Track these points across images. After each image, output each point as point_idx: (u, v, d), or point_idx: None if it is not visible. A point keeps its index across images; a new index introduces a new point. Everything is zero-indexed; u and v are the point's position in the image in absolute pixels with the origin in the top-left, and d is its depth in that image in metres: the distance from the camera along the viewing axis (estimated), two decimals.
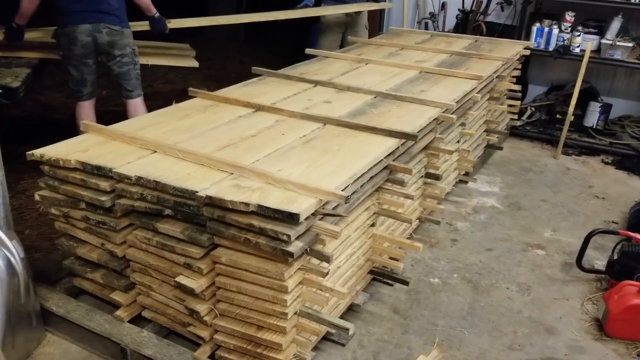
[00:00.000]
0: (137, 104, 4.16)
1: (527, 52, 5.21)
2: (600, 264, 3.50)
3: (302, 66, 4.26)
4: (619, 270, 3.18)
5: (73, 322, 2.64)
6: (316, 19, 5.83)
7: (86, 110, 4.06)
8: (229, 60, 8.28)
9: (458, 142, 4.09)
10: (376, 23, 6.61)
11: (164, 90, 6.68)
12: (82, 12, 3.78)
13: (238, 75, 6.83)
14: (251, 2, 10.10)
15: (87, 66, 3.94)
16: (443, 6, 6.48)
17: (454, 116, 3.38)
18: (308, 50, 4.78)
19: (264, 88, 3.64)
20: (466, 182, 4.55)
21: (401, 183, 2.86)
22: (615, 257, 3.26)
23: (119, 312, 2.65)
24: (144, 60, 4.84)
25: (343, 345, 2.74)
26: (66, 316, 2.65)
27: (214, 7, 9.71)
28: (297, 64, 4.33)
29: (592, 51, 5.26)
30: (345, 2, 5.68)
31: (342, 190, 2.33)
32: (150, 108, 3.26)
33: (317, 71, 4.06)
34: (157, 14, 4.15)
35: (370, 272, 3.10)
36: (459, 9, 6.29)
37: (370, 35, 5.83)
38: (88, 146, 2.61)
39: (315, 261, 2.31)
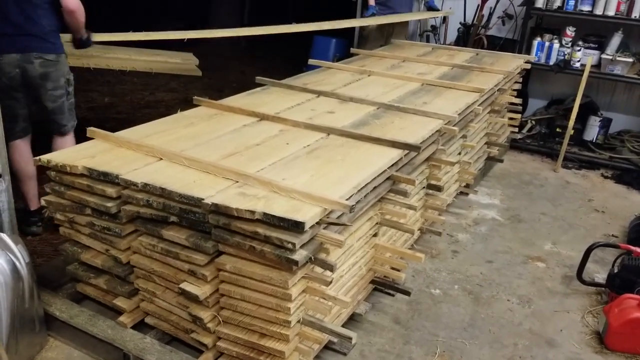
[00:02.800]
0: (67, 140, 3.50)
1: (528, 66, 5.25)
2: (601, 277, 3.52)
3: (305, 76, 4.29)
4: (620, 283, 3.19)
5: (76, 327, 2.64)
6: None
7: (20, 150, 3.40)
8: (230, 69, 8.33)
9: (459, 154, 4.11)
10: None
11: (166, 99, 6.72)
12: (8, 37, 3.18)
13: (239, 84, 6.88)
14: (254, 9, 10.18)
15: (17, 100, 3.32)
16: (444, 19, 6.53)
17: (456, 128, 3.40)
18: (311, 61, 4.83)
19: (268, 98, 3.66)
20: (467, 194, 4.57)
21: (404, 194, 2.88)
22: (616, 270, 3.28)
23: (122, 318, 2.66)
24: (147, 69, 4.88)
25: (344, 354, 2.75)
26: (69, 321, 2.66)
27: (215, 15, 9.76)
28: (300, 74, 4.37)
29: (592, 66, 5.30)
30: (390, 8, 5.75)
31: (346, 199, 2.35)
32: (152, 116, 3.27)
33: (320, 82, 4.09)
34: (86, 34, 3.52)
35: (372, 282, 3.11)
36: (460, 23, 6.34)
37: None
38: (95, 153, 2.63)
39: (318, 270, 2.32)
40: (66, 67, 3.44)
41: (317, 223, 2.19)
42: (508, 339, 2.98)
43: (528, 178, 5.15)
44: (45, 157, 2.56)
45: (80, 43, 3.54)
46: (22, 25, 3.20)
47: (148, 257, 2.51)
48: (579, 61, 5.50)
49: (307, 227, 2.10)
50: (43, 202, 2.66)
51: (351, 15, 7.04)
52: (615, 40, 5.41)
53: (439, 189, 3.56)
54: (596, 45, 5.56)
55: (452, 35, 6.51)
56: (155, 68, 4.94)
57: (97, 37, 3.66)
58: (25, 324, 2.49)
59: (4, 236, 2.44)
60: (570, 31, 5.59)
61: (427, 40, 6.62)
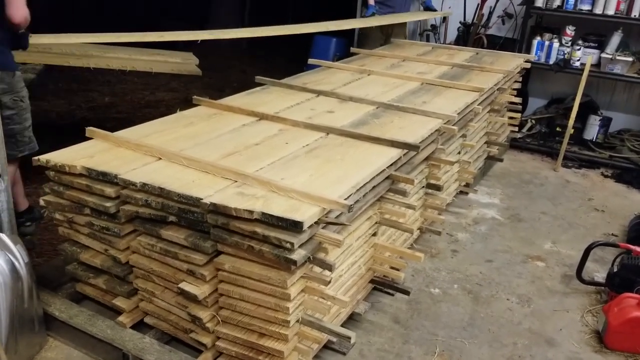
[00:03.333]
0: None
1: (528, 65, 5.25)
2: (600, 276, 3.52)
3: (305, 76, 4.29)
4: (619, 282, 3.19)
5: (75, 327, 2.64)
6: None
7: None
8: (231, 69, 8.33)
9: (459, 153, 4.11)
10: None
11: (166, 98, 6.72)
12: None
13: (239, 84, 6.87)
14: (254, 8, 10.18)
15: None
16: (444, 19, 6.53)
17: (455, 127, 3.40)
18: (311, 61, 4.83)
19: (267, 97, 3.66)
20: (467, 193, 4.57)
21: (403, 193, 2.88)
22: (615, 269, 3.27)
23: (121, 318, 2.66)
24: (147, 68, 4.88)
25: (344, 354, 2.75)
26: (68, 321, 2.66)
27: (215, 14, 9.75)
28: (300, 73, 4.36)
29: (592, 65, 5.30)
30: (390, 7, 5.73)
31: (345, 199, 2.35)
32: (152, 116, 3.26)
33: (320, 81, 4.09)
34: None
35: (371, 281, 3.11)
36: (460, 22, 6.34)
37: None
38: (94, 152, 2.63)
39: (317, 269, 2.32)
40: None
41: (315, 222, 2.19)
42: (507, 338, 2.98)
43: (528, 177, 5.14)
44: (43, 157, 2.56)
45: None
46: None
47: (147, 257, 2.51)
48: (578, 60, 5.49)
49: (305, 226, 2.10)
50: (42, 202, 2.66)
51: (351, 14, 7.04)
52: (615, 39, 5.41)
53: (438, 188, 3.56)
54: (596, 45, 5.56)
55: (452, 34, 6.51)
56: (156, 68, 4.94)
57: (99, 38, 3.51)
58: (24, 324, 2.49)
59: (3, 236, 2.44)
60: (570, 30, 5.58)
61: (427, 40, 6.62)
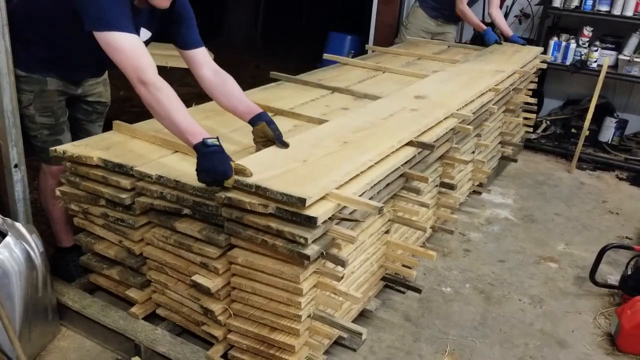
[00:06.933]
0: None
1: (544, 66, 5.21)
2: (614, 278, 3.49)
3: (320, 72, 4.28)
4: (633, 285, 3.17)
5: (88, 317, 2.66)
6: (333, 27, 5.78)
7: None
8: (245, 65, 8.33)
9: (473, 152, 4.09)
10: (393, 32, 6.62)
11: (181, 93, 6.56)
12: None
13: (253, 80, 6.86)
14: (269, 6, 10.18)
15: None
16: (460, 19, 6.48)
17: (470, 127, 3.38)
18: (326, 56, 4.83)
19: (282, 93, 3.66)
20: (480, 193, 4.55)
21: (417, 191, 2.88)
22: (629, 272, 3.25)
23: (133, 309, 2.67)
24: (162, 63, 4.90)
25: (354, 350, 2.75)
26: (81, 311, 2.68)
27: (231, 7, 9.74)
28: (315, 70, 4.36)
29: (609, 67, 5.25)
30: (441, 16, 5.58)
31: (360, 196, 2.34)
32: None
33: (335, 78, 4.09)
34: None
35: (383, 278, 3.10)
36: None
37: (387, 44, 5.82)
38: (110, 144, 2.64)
39: (330, 265, 2.32)
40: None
41: (329, 218, 2.19)
42: (519, 339, 2.97)
43: (542, 178, 5.11)
44: (60, 148, 2.57)
45: None
46: None
47: (161, 249, 2.52)
48: (595, 62, 5.45)
49: (319, 222, 2.09)
50: (58, 193, 2.67)
51: (366, 13, 7.00)
52: (633, 40, 5.35)
53: (452, 187, 3.55)
54: (613, 46, 5.50)
55: (468, 34, 6.48)
56: (172, 62, 4.96)
57: None
58: (38, 313, 2.51)
59: (19, 225, 2.46)
60: (587, 31, 5.54)
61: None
